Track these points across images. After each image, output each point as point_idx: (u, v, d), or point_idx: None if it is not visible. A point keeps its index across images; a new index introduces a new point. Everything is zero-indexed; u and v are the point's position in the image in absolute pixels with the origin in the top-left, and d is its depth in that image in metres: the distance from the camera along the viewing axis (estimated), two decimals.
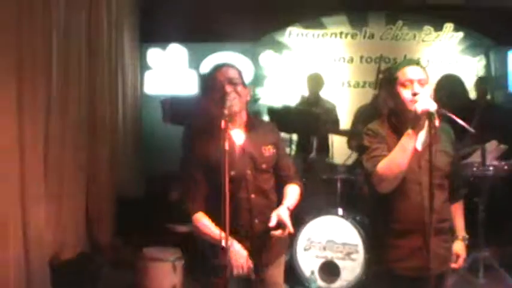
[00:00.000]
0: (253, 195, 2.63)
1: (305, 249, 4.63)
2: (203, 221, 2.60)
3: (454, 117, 2.42)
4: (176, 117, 4.93)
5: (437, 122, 2.30)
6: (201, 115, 2.71)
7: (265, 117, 5.17)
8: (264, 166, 2.67)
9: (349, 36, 7.35)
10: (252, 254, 2.59)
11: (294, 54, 7.38)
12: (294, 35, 7.38)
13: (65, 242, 4.60)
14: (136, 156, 6.72)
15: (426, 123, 2.34)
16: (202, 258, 2.71)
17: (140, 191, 6.51)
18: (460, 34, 7.19)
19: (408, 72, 2.52)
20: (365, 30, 7.29)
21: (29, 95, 3.90)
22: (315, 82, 6.22)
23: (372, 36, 7.29)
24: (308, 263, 4.60)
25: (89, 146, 5.18)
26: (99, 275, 4.68)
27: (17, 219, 3.76)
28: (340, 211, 4.74)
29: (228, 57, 7.16)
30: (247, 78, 6.81)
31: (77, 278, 4.38)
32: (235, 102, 2.52)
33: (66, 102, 4.67)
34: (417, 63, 2.63)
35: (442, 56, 7.20)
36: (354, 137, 5.05)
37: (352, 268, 4.52)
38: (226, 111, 2.39)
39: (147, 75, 7.41)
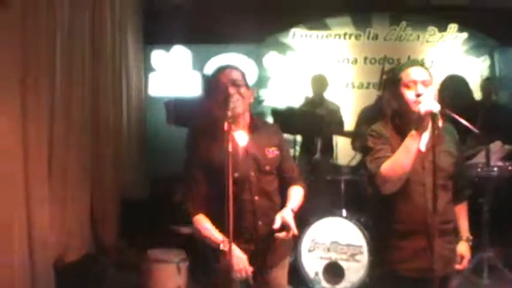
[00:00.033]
0: (256, 197, 2.62)
1: (309, 251, 4.62)
2: (204, 224, 2.60)
3: (457, 117, 2.41)
4: (180, 118, 4.92)
5: (440, 123, 2.30)
6: (204, 117, 2.71)
7: (270, 119, 5.16)
8: (267, 168, 2.66)
9: (353, 37, 7.33)
10: (256, 256, 2.59)
11: (298, 55, 7.37)
12: (298, 36, 7.36)
13: (69, 244, 4.61)
14: (140, 158, 6.72)
15: (430, 124, 2.33)
16: (204, 260, 2.70)
17: (144, 193, 6.51)
18: (464, 35, 7.16)
19: (412, 73, 2.51)
20: (369, 31, 7.27)
21: (32, 96, 3.90)
22: (319, 83, 6.21)
23: (376, 37, 7.27)
24: (312, 264, 4.60)
25: (93, 147, 5.20)
26: (103, 276, 4.69)
27: (21, 221, 3.76)
28: (344, 212, 4.74)
29: (232, 58, 7.16)
30: (251, 79, 6.86)
31: (81, 280, 4.39)
32: (238, 104, 2.51)
33: (69, 103, 4.68)
34: (421, 64, 2.62)
35: (446, 56, 7.18)
36: (358, 138, 5.05)
37: (356, 269, 4.51)
38: (229, 113, 2.39)
39: (151, 77, 7.42)
